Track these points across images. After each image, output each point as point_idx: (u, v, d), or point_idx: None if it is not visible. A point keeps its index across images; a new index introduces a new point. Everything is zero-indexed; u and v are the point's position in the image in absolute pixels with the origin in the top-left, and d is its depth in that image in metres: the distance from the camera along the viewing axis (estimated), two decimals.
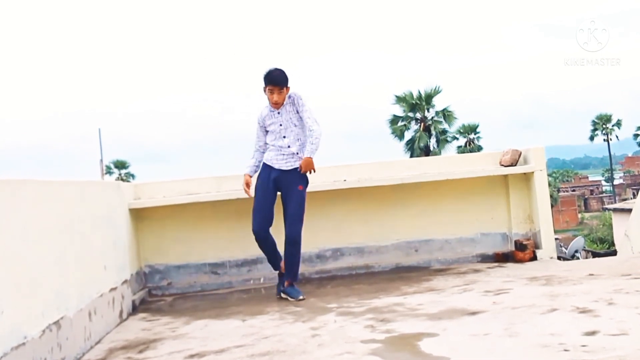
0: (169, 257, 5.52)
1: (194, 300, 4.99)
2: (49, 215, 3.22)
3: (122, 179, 41.96)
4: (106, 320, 3.97)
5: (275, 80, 4.58)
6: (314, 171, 4.63)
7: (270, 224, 4.65)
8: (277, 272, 4.83)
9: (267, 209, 4.63)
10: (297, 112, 4.66)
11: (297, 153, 4.65)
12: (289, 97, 4.67)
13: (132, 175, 45.61)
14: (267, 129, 4.76)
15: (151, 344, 3.57)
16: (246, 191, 4.80)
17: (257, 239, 4.66)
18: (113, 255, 4.40)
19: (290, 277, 4.66)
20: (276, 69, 4.62)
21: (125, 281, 4.63)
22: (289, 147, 4.66)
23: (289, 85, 4.64)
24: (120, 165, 46.14)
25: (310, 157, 4.58)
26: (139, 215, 5.39)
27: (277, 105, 4.65)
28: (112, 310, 4.15)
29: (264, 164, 4.75)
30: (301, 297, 4.55)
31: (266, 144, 4.80)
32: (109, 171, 43.22)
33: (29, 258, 2.90)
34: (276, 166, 4.66)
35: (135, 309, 4.76)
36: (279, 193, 4.71)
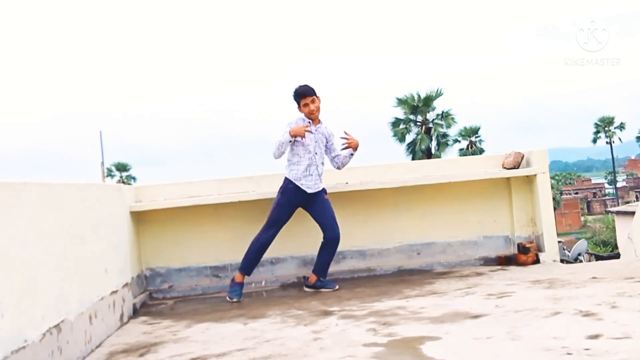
0: (170, 260, 5.51)
1: (195, 304, 4.98)
2: (49, 218, 3.20)
3: (123, 182, 42.00)
4: (107, 324, 3.96)
5: (305, 92, 4.87)
6: (356, 146, 4.98)
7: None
8: (236, 277, 4.95)
9: (284, 221, 4.90)
10: (327, 141, 4.99)
11: (321, 175, 4.95)
12: (325, 127, 5.00)
13: (133, 178, 45.67)
14: (298, 141, 4.85)
15: (152, 348, 3.56)
16: (306, 129, 4.81)
17: (265, 245, 4.89)
18: (114, 258, 4.39)
19: (322, 274, 4.99)
20: (300, 85, 4.94)
21: (126, 284, 4.62)
22: (317, 166, 4.91)
23: (318, 96, 4.92)
24: (121, 167, 46.18)
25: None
26: (140, 218, 5.38)
27: (313, 114, 4.88)
28: (113, 314, 4.14)
29: (294, 184, 4.87)
30: (337, 287, 4.95)
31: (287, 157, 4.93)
32: (110, 174, 43.25)
33: (29, 261, 2.89)
34: (308, 190, 4.87)
35: (136, 312, 4.75)
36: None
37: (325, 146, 5.01)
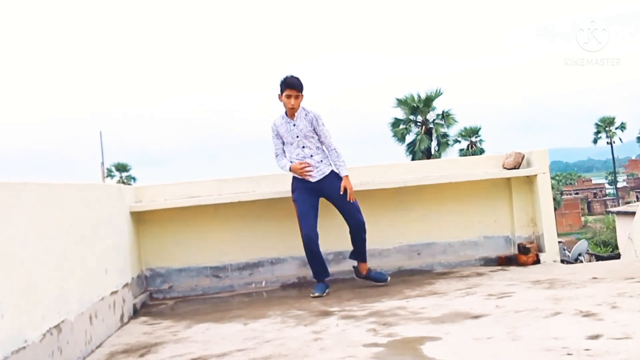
0: (170, 261, 5.50)
1: (195, 304, 4.98)
2: (49, 218, 3.20)
3: (123, 182, 42.03)
4: (107, 324, 3.96)
5: (293, 84, 4.76)
6: (352, 194, 4.81)
7: (316, 227, 4.78)
8: (318, 280, 4.87)
9: (313, 212, 4.80)
10: (314, 129, 4.82)
11: (322, 161, 4.82)
12: (306, 114, 4.84)
13: (133, 178, 45.71)
14: (283, 140, 4.87)
15: (152, 348, 3.56)
16: (308, 171, 4.77)
17: (307, 242, 4.74)
18: (114, 258, 4.39)
19: (363, 259, 4.98)
20: (293, 75, 4.81)
21: (126, 284, 4.62)
22: (311, 156, 4.81)
23: (303, 93, 4.82)
24: (121, 168, 46.21)
25: (347, 176, 4.80)
26: (140, 218, 5.38)
27: (293, 110, 4.80)
28: (113, 314, 4.14)
29: (295, 177, 4.86)
30: (389, 279, 4.95)
31: (284, 151, 4.90)
32: (110, 174, 43.28)
33: (29, 261, 2.89)
34: (311, 180, 4.80)
35: (136, 313, 4.75)
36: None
37: (315, 132, 4.85)
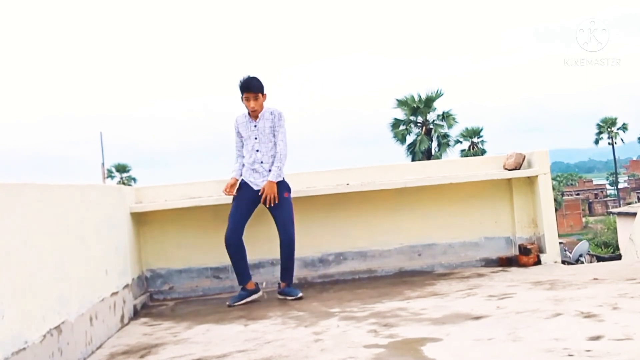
0: (171, 262, 5.50)
1: (196, 305, 4.97)
2: (49, 219, 3.20)
3: (123, 183, 42.07)
4: (107, 325, 3.95)
5: (250, 86, 4.69)
6: (275, 199, 4.67)
7: (242, 232, 4.73)
8: (241, 287, 4.79)
9: (243, 218, 4.75)
10: (274, 128, 4.76)
11: (270, 170, 4.74)
12: (271, 112, 4.78)
13: (134, 179, 45.75)
14: (242, 138, 4.85)
15: (153, 349, 3.55)
16: (229, 192, 4.79)
17: (227, 244, 4.71)
18: (114, 259, 4.39)
19: (287, 279, 4.80)
20: (250, 77, 4.73)
21: (127, 285, 4.61)
22: (261, 162, 4.75)
23: (265, 93, 4.74)
24: (122, 168, 46.26)
25: (273, 182, 4.67)
26: (140, 219, 5.38)
27: (254, 112, 4.74)
28: (114, 315, 4.14)
29: (243, 181, 4.82)
30: (300, 295, 4.70)
31: (241, 154, 4.88)
32: (110, 175, 43.34)
33: (29, 262, 2.88)
34: (254, 187, 4.75)
35: (136, 314, 4.75)
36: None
37: (273, 132, 4.78)
